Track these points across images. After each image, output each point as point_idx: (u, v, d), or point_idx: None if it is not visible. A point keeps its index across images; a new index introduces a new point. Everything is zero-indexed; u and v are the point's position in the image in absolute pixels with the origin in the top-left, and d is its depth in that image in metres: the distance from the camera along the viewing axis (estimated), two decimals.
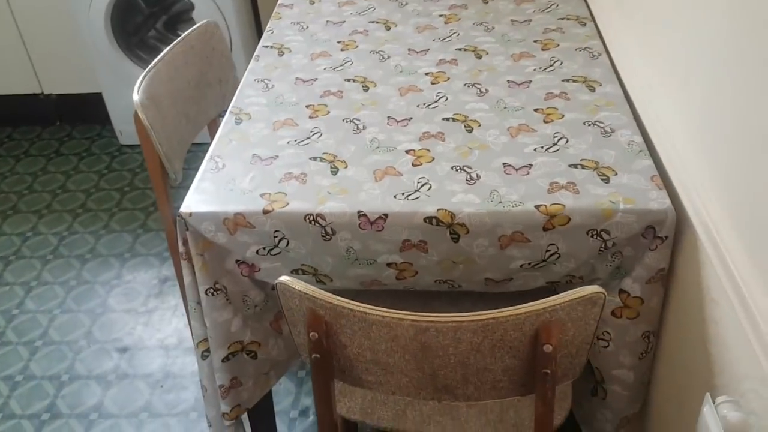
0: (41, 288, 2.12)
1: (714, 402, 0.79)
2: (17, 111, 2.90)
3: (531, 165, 1.16)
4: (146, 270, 2.17)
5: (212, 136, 1.68)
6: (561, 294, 0.87)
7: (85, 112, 2.87)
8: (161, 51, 1.48)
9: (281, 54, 1.57)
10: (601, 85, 1.35)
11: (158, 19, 2.71)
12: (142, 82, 1.38)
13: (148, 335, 1.95)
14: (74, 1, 2.43)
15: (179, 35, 1.55)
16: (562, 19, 1.61)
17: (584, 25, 1.57)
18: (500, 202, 1.09)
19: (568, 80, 1.38)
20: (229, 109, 1.39)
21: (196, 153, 1.28)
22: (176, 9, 2.69)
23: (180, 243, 1.16)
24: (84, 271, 2.18)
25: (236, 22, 2.42)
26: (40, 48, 2.71)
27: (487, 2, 1.72)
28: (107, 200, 2.48)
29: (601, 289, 0.87)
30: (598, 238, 1.07)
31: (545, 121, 1.27)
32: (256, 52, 1.58)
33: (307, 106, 1.37)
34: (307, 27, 1.67)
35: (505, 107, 1.32)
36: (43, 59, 2.74)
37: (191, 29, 1.56)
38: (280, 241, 1.14)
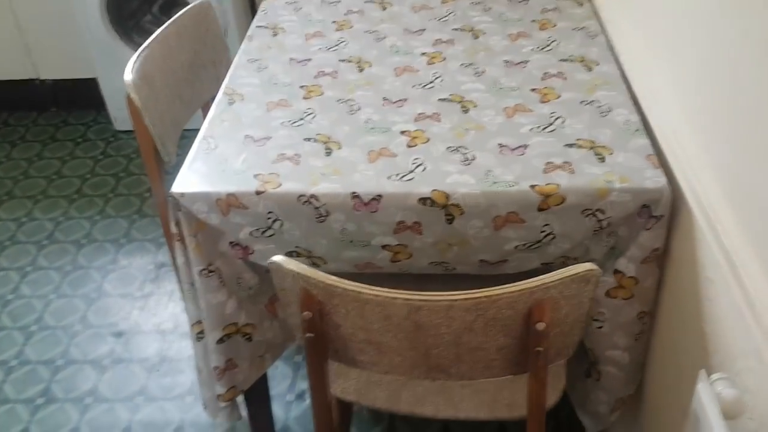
0: (36, 273, 2.12)
1: (709, 379, 0.78)
2: (13, 96, 2.88)
3: (527, 145, 1.15)
4: (142, 255, 2.16)
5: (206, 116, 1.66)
6: (554, 272, 0.87)
7: (80, 97, 2.85)
8: None
9: (275, 34, 1.55)
10: (598, 64, 1.34)
11: (154, 3, 2.69)
12: (134, 62, 1.37)
13: (144, 320, 1.94)
14: None
15: None
16: None
17: (581, 4, 1.56)
18: (495, 182, 1.08)
19: (565, 60, 1.36)
20: (222, 89, 1.38)
21: (191, 139, 1.27)
22: None
23: (172, 224, 1.16)
24: (79, 256, 2.17)
25: (231, 3, 2.40)
26: (36, 33, 2.69)
27: None
28: (102, 186, 2.47)
29: (594, 266, 0.86)
30: (593, 217, 1.07)
31: (542, 101, 1.25)
32: (249, 33, 1.57)
33: (301, 87, 1.36)
34: (301, 7, 1.65)
35: (501, 87, 1.30)
36: (39, 45, 2.72)
37: (184, 9, 1.55)
38: (273, 222, 1.13)
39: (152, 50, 1.42)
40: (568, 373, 1.28)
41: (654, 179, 1.05)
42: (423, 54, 1.43)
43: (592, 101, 1.24)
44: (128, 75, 1.33)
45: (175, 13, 1.54)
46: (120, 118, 2.73)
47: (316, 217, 1.11)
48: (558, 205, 1.06)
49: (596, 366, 1.23)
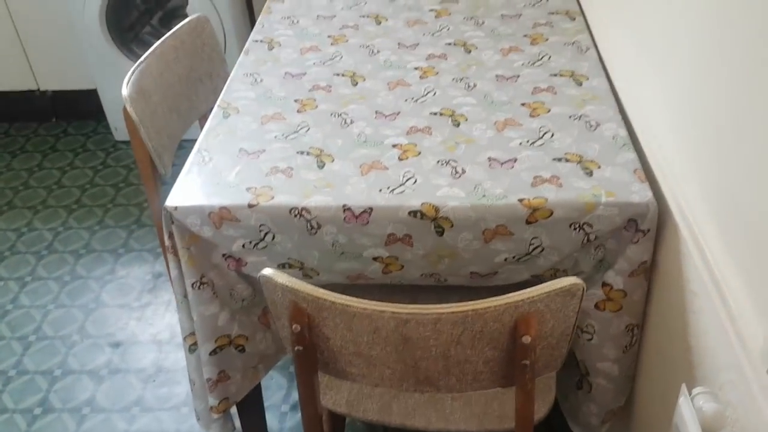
0: (35, 283, 2.13)
1: (690, 393, 0.79)
2: (13, 107, 2.91)
3: (516, 159, 1.16)
4: (140, 265, 2.18)
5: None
6: (539, 285, 0.88)
7: (80, 108, 2.88)
8: None
9: (271, 48, 1.57)
10: (588, 79, 1.35)
11: (153, 15, 2.72)
12: (131, 76, 1.39)
13: (141, 330, 1.96)
14: None
15: None
16: (552, 13, 1.61)
17: (574, 19, 1.57)
18: (484, 195, 1.09)
19: (555, 74, 1.38)
20: (218, 103, 1.40)
21: (188, 149, 1.29)
22: (171, 5, 2.70)
23: (166, 236, 1.17)
24: (78, 266, 2.19)
25: (230, 17, 2.43)
26: (37, 44, 2.72)
27: None
28: (102, 196, 2.49)
29: (579, 281, 0.88)
30: (581, 231, 1.08)
31: (531, 116, 1.27)
32: (245, 47, 1.59)
33: (295, 101, 1.37)
34: (298, 21, 1.67)
35: (492, 102, 1.32)
36: (39, 56, 2.75)
37: (181, 24, 1.57)
38: (265, 234, 1.14)
39: (149, 64, 1.44)
40: (560, 385, 1.29)
41: (640, 193, 1.06)
42: (416, 68, 1.45)
43: (581, 116, 1.25)
44: (125, 89, 1.35)
45: (175, 25, 1.57)
46: (120, 128, 2.75)
47: (308, 230, 1.12)
48: (546, 218, 1.07)
49: (587, 378, 1.24)
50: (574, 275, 1.14)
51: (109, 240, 2.29)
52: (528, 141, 1.20)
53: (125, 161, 2.66)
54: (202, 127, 1.67)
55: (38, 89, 2.84)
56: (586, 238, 1.09)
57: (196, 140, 1.30)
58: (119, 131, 2.76)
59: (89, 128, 2.88)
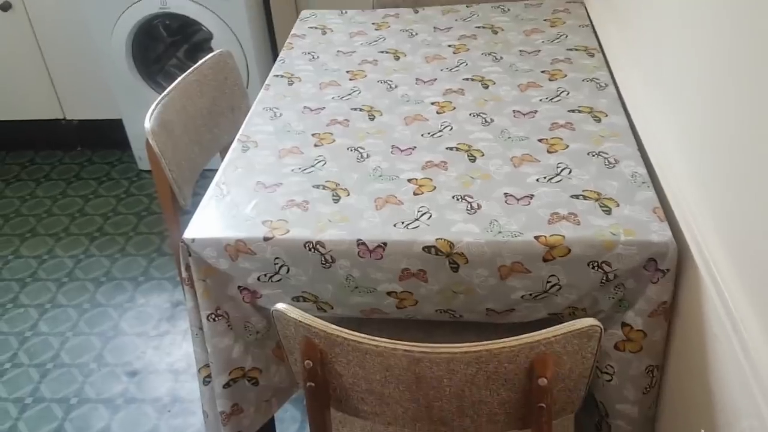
0: (55, 310, 2.15)
1: None
2: (39, 136, 2.98)
3: (532, 195, 1.16)
4: (159, 294, 2.19)
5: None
6: (556, 326, 0.86)
7: (105, 137, 2.93)
8: None
9: (291, 83, 1.59)
10: (606, 115, 1.35)
11: (179, 47, 2.78)
12: (154, 109, 1.41)
13: (158, 359, 1.96)
14: (97, 30, 2.50)
15: None
16: (571, 49, 1.61)
17: (593, 56, 1.58)
18: (500, 232, 1.08)
19: (574, 110, 1.38)
20: (237, 136, 1.41)
21: (209, 179, 1.31)
22: (196, 38, 2.76)
23: (183, 268, 1.18)
24: (98, 294, 2.21)
25: (253, 51, 2.47)
26: (63, 74, 2.78)
27: (496, 33, 1.73)
28: (124, 224, 2.52)
29: (597, 322, 0.86)
30: (600, 270, 1.06)
31: (549, 151, 1.26)
32: (266, 81, 1.61)
33: (313, 135, 1.38)
34: (318, 57, 1.70)
35: (509, 137, 1.32)
36: (66, 85, 2.81)
37: (205, 58, 1.60)
38: (280, 268, 1.14)
39: (172, 98, 1.47)
40: (578, 427, 1.26)
41: (660, 233, 1.04)
42: (433, 103, 1.46)
43: (600, 152, 1.24)
44: (148, 122, 1.37)
45: (199, 58, 1.60)
46: (144, 157, 2.80)
47: (322, 263, 1.12)
48: (563, 256, 1.06)
49: (606, 419, 1.21)
50: (593, 314, 1.12)
51: (129, 268, 2.31)
52: (545, 177, 1.19)
53: (148, 190, 2.70)
54: (223, 158, 1.69)
55: (64, 118, 2.90)
56: (604, 277, 1.07)
57: (216, 170, 1.32)
58: (143, 160, 2.80)
59: (114, 157, 2.93)
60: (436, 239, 1.08)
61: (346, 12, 1.93)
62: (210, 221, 1.17)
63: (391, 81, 1.56)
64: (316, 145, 1.35)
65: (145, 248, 2.39)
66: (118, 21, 2.46)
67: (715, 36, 0.94)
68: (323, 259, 1.11)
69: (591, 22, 1.74)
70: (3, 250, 2.43)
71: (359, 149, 1.33)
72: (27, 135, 2.98)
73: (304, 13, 1.95)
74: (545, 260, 1.06)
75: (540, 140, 1.30)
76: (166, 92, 1.47)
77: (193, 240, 1.14)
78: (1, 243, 2.47)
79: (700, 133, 1.00)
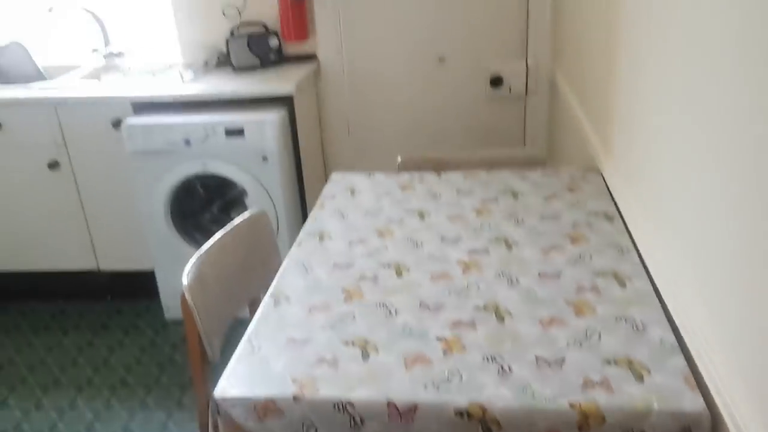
0: None
1: None
2: (71, 286, 3.05)
3: (564, 359, 1.16)
4: None
5: (252, 312, 1.74)
6: None
7: (135, 287, 3.00)
8: (214, 232, 1.59)
9: (321, 240, 1.66)
10: (630, 280, 1.38)
11: (214, 203, 2.93)
12: (192, 265, 1.48)
13: None
14: (139, 188, 2.65)
15: (232, 218, 1.67)
16: (590, 214, 1.68)
17: (612, 220, 1.64)
18: (534, 397, 1.08)
19: (598, 274, 1.41)
20: (269, 291, 1.46)
21: (238, 329, 1.33)
22: (231, 195, 2.91)
23: (211, 427, 1.17)
24: None
25: (284, 209, 2.60)
26: (101, 227, 2.90)
27: (516, 197, 1.82)
28: (146, 375, 2.51)
29: None
30: None
31: (577, 314, 1.28)
32: (298, 238, 1.68)
33: (342, 291, 1.42)
34: (347, 216, 1.78)
35: (536, 298, 1.34)
36: (102, 237, 2.91)
37: (241, 218, 1.69)
38: (308, 429, 1.13)
39: (210, 254, 1.54)
40: None
41: (693, 402, 1.03)
42: (458, 261, 1.50)
43: (627, 317, 1.26)
44: (185, 278, 1.43)
45: (233, 213, 1.69)
46: (171, 307, 2.84)
47: (350, 426, 1.11)
48: (599, 425, 1.04)
49: None
50: None
51: (147, 423, 2.26)
52: (575, 341, 1.20)
53: (173, 339, 2.72)
54: (250, 309, 1.73)
55: (97, 269, 2.99)
56: None
57: (242, 319, 1.34)
58: (171, 310, 2.85)
59: (141, 307, 2.98)
60: (469, 403, 1.07)
61: (373, 174, 2.05)
62: (240, 379, 1.18)
63: (416, 239, 1.62)
64: (345, 301, 1.38)
65: (165, 401, 2.36)
66: (160, 181, 2.63)
67: (738, 196, 0.99)
68: (352, 421, 1.10)
69: (608, 189, 1.82)
70: (25, 401, 2.41)
71: (387, 305, 1.36)
72: (61, 286, 3.07)
73: (334, 175, 2.08)
74: (580, 428, 1.05)
75: (567, 302, 1.32)
76: (204, 249, 1.54)
77: (223, 399, 1.14)
78: (24, 394, 2.45)
79: (728, 298, 1.02)
